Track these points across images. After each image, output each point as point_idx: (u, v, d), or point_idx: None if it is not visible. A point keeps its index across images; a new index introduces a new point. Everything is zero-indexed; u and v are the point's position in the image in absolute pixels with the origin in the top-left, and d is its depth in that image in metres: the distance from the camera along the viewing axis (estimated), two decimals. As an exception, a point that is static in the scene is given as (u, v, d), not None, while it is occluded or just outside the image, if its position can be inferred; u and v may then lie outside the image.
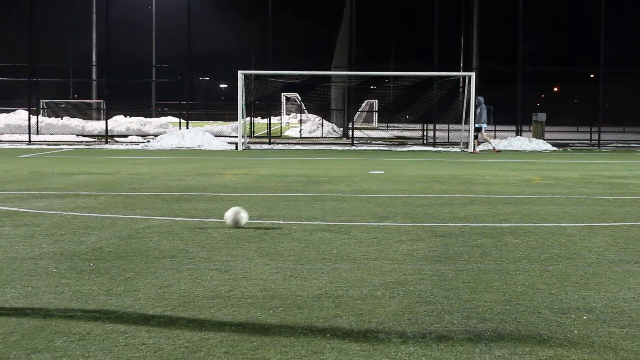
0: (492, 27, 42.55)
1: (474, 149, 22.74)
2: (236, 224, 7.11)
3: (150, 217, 7.94)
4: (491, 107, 45.67)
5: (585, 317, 4.25)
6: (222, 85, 57.25)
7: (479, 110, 22.52)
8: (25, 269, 5.34)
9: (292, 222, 7.68)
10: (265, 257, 5.84)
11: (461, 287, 4.91)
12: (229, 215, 7.18)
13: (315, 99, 30.64)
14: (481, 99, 22.71)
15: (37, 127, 28.97)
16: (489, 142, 23.67)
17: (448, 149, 24.42)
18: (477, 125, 22.72)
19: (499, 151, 22.90)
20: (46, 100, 43.39)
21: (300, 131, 35.17)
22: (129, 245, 6.25)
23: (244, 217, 7.16)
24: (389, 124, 50.14)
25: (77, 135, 30.39)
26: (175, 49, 36.54)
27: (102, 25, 34.42)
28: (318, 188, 11.17)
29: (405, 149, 24.56)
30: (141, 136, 30.65)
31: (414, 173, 14.34)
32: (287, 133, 36.59)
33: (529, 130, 31.81)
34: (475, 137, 22.97)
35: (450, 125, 29.15)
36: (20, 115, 33.61)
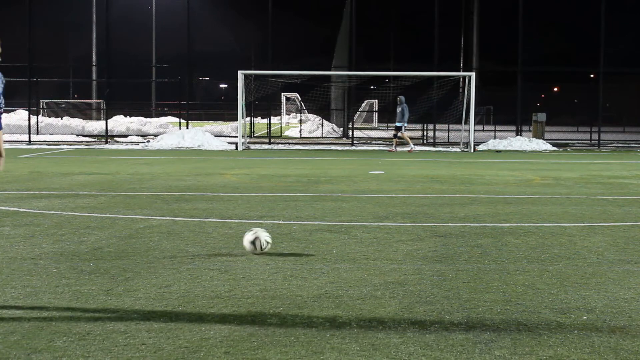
0: (492, 27, 42.53)
1: (394, 148, 22.78)
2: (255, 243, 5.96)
3: (150, 217, 7.94)
4: (491, 107, 45.78)
5: (585, 317, 4.25)
6: (222, 85, 57.25)
7: (400, 109, 22.46)
8: (25, 269, 5.34)
9: (292, 222, 7.67)
10: (265, 257, 5.84)
11: (461, 287, 4.91)
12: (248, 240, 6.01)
13: (315, 99, 30.63)
14: (402, 98, 22.67)
15: (37, 127, 28.97)
16: (409, 142, 23.28)
17: (448, 149, 24.43)
18: (397, 124, 22.70)
19: (413, 151, 22.53)
20: (46, 100, 43.33)
21: (300, 131, 35.14)
22: (129, 245, 6.24)
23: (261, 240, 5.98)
24: (389, 124, 50.08)
25: (77, 135, 30.39)
26: (175, 49, 36.54)
27: (102, 25, 34.42)
28: (318, 188, 11.17)
29: (405, 149, 24.53)
30: (141, 136, 30.64)
31: (414, 173, 14.34)
32: (287, 133, 36.55)
33: (529, 130, 31.79)
34: (395, 136, 22.96)
35: (450, 125, 29.13)
36: (20, 115, 33.59)
